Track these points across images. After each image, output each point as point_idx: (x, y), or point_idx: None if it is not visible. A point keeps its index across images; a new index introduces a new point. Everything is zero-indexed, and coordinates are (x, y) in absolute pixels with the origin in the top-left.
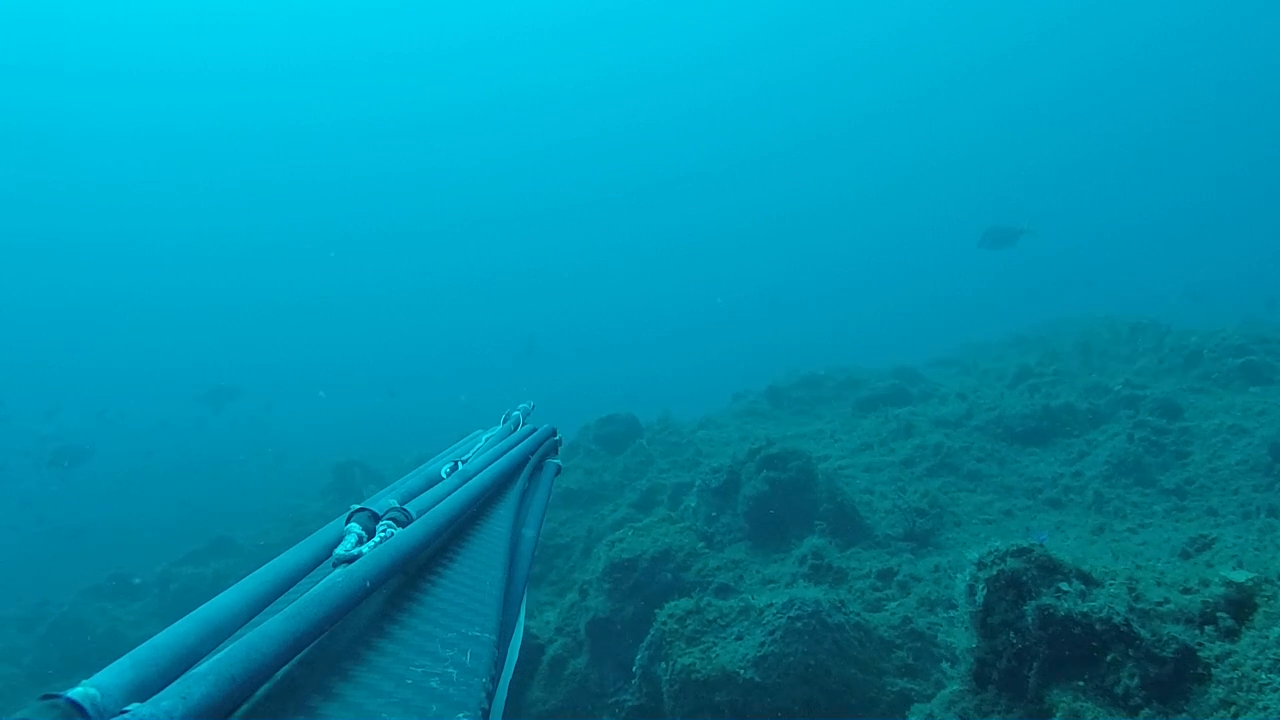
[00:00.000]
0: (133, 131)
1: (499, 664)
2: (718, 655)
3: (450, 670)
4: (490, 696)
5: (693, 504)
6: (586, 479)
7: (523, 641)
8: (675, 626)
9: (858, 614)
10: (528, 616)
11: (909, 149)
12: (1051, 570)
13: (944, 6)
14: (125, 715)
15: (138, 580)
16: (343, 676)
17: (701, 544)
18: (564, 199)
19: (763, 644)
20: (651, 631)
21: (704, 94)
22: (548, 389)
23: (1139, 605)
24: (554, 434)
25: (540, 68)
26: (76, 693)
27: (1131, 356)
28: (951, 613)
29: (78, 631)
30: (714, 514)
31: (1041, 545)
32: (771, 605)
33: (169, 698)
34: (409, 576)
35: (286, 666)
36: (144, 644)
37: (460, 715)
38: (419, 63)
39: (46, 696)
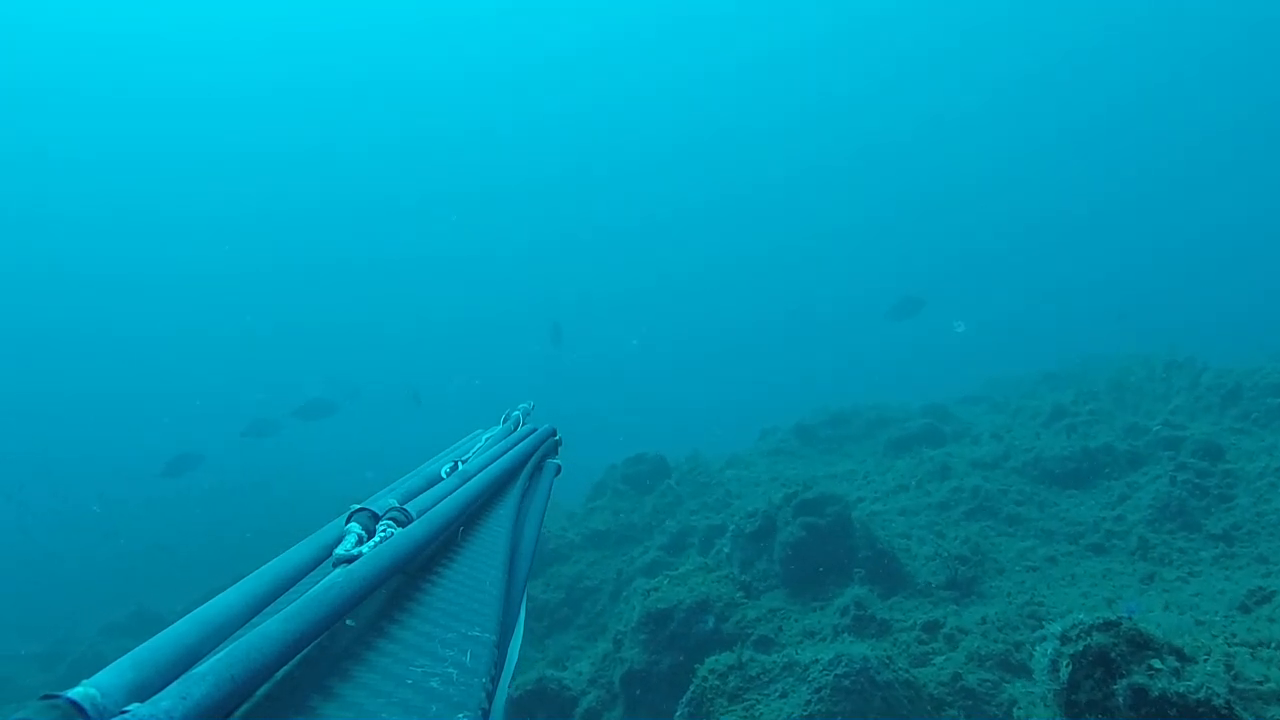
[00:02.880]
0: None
1: (499, 664)
2: (761, 714)
3: (450, 670)
4: (490, 696)
5: (726, 549)
6: (614, 520)
7: (555, 693)
8: (717, 683)
9: (906, 670)
10: (559, 667)
11: (938, 171)
12: (1142, 645)
13: (978, 21)
14: (125, 715)
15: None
16: (342, 676)
17: (740, 593)
18: (570, 225)
19: (808, 702)
20: (692, 687)
21: (725, 118)
22: (564, 417)
23: (1238, 685)
24: (554, 434)
25: (534, 94)
26: (76, 693)
27: (1167, 395)
28: (1004, 671)
29: (98, 670)
30: (750, 559)
31: (1130, 618)
32: (817, 661)
33: (169, 698)
34: (409, 576)
35: (286, 666)
36: (144, 644)
37: (460, 715)
38: (423, 84)
39: (47, 696)
